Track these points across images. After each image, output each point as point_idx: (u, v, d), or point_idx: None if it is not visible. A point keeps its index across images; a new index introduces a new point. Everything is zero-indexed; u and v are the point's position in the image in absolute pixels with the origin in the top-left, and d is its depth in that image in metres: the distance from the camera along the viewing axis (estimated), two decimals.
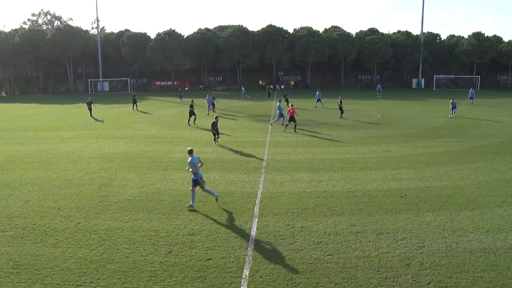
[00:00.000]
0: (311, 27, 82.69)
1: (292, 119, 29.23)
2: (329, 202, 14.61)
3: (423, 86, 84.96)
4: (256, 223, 12.77)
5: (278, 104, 33.12)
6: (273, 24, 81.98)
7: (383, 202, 14.60)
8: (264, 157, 21.49)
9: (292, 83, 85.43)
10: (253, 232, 12.11)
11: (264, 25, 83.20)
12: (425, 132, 29.75)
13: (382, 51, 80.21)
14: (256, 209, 13.94)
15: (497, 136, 27.73)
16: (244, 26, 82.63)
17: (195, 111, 34.21)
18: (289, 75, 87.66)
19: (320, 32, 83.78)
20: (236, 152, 22.88)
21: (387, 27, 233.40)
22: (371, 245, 11.20)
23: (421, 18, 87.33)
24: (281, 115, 32.21)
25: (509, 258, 10.45)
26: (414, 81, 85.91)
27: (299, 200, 14.84)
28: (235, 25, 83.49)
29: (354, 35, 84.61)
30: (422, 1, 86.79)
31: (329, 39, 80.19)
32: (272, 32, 79.95)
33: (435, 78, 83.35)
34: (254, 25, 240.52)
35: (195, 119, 33.83)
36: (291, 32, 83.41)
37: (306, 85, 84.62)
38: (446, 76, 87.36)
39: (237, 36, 79.42)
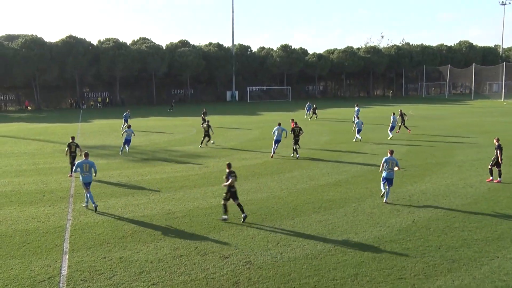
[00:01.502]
0: (117, 39, 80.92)
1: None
2: (148, 227, 14.29)
3: (237, 98, 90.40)
4: (67, 261, 11.73)
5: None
6: (73, 35, 77.50)
7: (205, 220, 14.89)
8: (72, 184, 20.05)
9: (99, 99, 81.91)
10: (64, 271, 11.09)
11: (63, 36, 78.31)
12: (241, 144, 31.55)
13: (195, 63, 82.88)
14: (66, 245, 12.85)
15: (309, 144, 30.91)
16: (39, 36, 76.12)
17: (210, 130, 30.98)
18: (95, 92, 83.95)
19: (128, 44, 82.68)
20: (37, 181, 20.83)
21: (198, 39, 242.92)
22: (197, 267, 11.25)
23: (231, 30, 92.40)
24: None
25: (329, 261, 11.61)
26: (228, 93, 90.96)
27: (115, 228, 14.18)
28: (28, 35, 76.16)
29: (164, 48, 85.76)
30: (231, 13, 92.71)
31: (138, 52, 79.56)
32: (73, 44, 75.45)
33: (248, 90, 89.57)
34: (52, 36, 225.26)
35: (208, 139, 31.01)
36: (95, 44, 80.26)
37: (122, 101, 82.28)
38: (259, 88, 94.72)
39: (31, 47, 72.54)
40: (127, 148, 28.36)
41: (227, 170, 14.92)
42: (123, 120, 41.11)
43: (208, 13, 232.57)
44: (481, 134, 35.07)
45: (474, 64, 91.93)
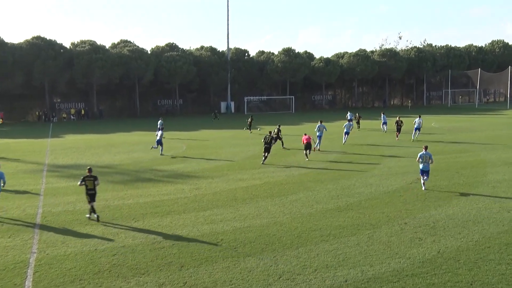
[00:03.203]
0: (94, 41, 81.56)
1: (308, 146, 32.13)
2: (129, 259, 14.22)
3: (233, 110, 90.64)
4: None
5: None
6: (42, 36, 78.11)
7: (196, 251, 14.84)
8: (38, 211, 19.98)
9: (73, 111, 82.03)
10: None
11: (29, 37, 78.80)
12: (238, 163, 31.55)
13: (184, 70, 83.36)
14: (28, 283, 12.76)
15: (315, 162, 30.93)
16: None
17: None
18: (69, 102, 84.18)
19: (107, 47, 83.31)
20: None
21: (188, 42, 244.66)
22: None
23: (226, 32, 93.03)
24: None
25: None
26: (223, 104, 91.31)
27: (90, 261, 14.11)
28: None
29: (149, 52, 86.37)
30: (226, 13, 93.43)
31: (119, 56, 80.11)
32: (42, 46, 76.05)
33: (246, 100, 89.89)
34: (14, 36, 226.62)
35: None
36: (68, 47, 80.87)
37: (100, 113, 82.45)
38: (258, 97, 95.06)
39: None
40: (161, 149, 35.87)
41: (87, 173, 18.54)
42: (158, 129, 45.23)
43: (200, 13, 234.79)
44: None
45: (510, 67, 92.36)
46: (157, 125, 48.00)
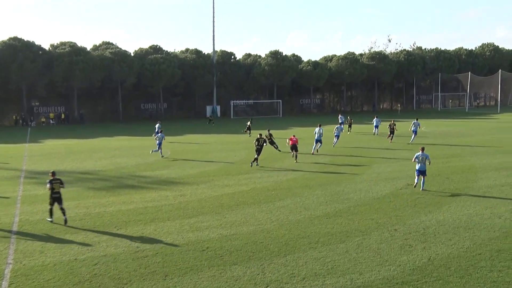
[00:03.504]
0: (75, 43, 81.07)
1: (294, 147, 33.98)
2: (111, 269, 14.11)
3: (219, 114, 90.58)
4: None
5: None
6: (19, 37, 77.42)
7: (180, 259, 14.77)
8: (15, 219, 19.78)
9: (52, 115, 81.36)
10: None
11: (5, 37, 78.15)
12: (225, 169, 31.51)
13: (169, 73, 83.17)
14: None
15: (304, 168, 30.98)
16: None
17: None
18: (48, 106, 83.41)
19: (88, 49, 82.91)
20: None
21: (172, 45, 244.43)
22: None
23: (212, 34, 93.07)
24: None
25: None
26: (208, 108, 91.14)
27: (70, 271, 13.99)
28: None
29: (132, 54, 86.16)
30: (212, 14, 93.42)
31: (100, 59, 79.75)
32: (19, 48, 75.25)
33: (232, 104, 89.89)
34: None
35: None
36: (47, 49, 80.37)
37: (81, 117, 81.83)
38: (244, 101, 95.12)
39: None
40: (161, 151, 37.16)
41: (51, 177, 19.17)
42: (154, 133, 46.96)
43: (185, 15, 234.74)
44: (510, 154, 35.39)
45: (500, 70, 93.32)
46: (155, 128, 49.22)
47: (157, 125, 49.62)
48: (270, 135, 38.85)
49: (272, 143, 38.64)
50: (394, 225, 18.06)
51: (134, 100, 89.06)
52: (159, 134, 38.46)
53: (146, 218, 19.64)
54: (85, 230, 18.08)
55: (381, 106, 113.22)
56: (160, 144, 37.30)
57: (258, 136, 33.26)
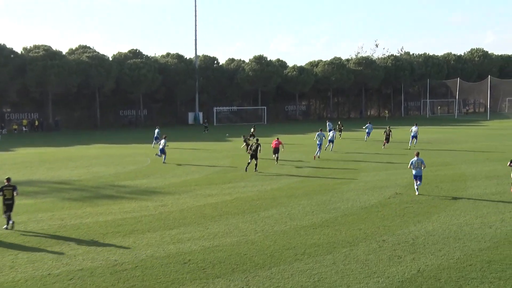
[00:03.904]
0: (49, 46, 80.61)
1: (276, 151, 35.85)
2: (87, 284, 13.97)
3: (201, 121, 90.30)
4: None
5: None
6: None
7: (161, 273, 14.67)
8: None
9: (25, 122, 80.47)
10: None
11: None
12: (207, 177, 31.44)
13: (149, 78, 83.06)
14: None
15: (289, 177, 31.02)
16: None
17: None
18: (20, 112, 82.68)
19: (64, 53, 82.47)
20: None
21: (153, 49, 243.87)
22: None
23: (194, 38, 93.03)
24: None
25: None
26: (191, 115, 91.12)
27: (43, 287, 13.80)
28: None
29: (111, 58, 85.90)
30: (194, 17, 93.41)
31: (77, 63, 79.38)
32: None
33: (215, 110, 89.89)
34: None
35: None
36: (19, 52, 79.68)
37: (57, 124, 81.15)
38: (228, 108, 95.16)
39: None
40: (164, 157, 38.30)
41: (5, 183, 19.51)
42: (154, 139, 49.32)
43: (166, 18, 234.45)
44: (501, 161, 35.65)
45: (489, 76, 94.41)
46: (154, 133, 50.54)
47: (156, 131, 50.80)
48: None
49: (245, 141, 40.80)
50: (382, 235, 18.12)
51: (112, 107, 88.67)
52: (163, 140, 39.32)
53: (125, 229, 19.48)
54: (59, 243, 17.85)
55: (369, 113, 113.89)
56: (162, 150, 38.31)
57: (255, 141, 34.53)
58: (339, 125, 58.33)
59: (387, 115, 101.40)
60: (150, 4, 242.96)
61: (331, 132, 45.91)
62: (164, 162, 37.72)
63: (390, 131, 46.66)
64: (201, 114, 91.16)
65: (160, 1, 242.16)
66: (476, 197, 24.33)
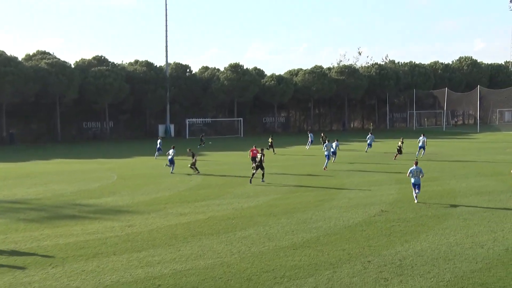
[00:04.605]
0: (3, 51, 79.39)
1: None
2: None
3: (172, 134, 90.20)
4: None
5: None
6: None
7: None
8: None
9: None
10: None
11: None
12: (180, 195, 31.25)
13: (115, 87, 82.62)
14: None
15: (268, 194, 30.97)
16: None
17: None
18: None
19: (20, 59, 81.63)
20: None
21: (120, 56, 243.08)
22: None
23: (165, 44, 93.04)
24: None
25: None
26: (161, 127, 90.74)
27: None
28: None
29: (73, 65, 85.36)
30: (164, 22, 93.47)
31: (35, 70, 78.48)
32: None
33: (188, 122, 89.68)
34: None
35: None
36: None
37: (11, 138, 79.79)
38: (201, 120, 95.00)
39: None
40: (172, 167, 41.43)
41: None
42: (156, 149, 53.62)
43: (134, 22, 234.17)
44: (492, 177, 36.17)
45: (479, 86, 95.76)
46: (157, 144, 55.12)
47: (158, 141, 55.67)
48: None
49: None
50: (367, 256, 18.11)
51: (75, 118, 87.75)
52: (171, 150, 41.97)
53: (88, 252, 19.18)
54: (13, 269, 17.45)
55: (352, 125, 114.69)
56: (171, 160, 41.38)
57: (260, 151, 36.18)
58: (322, 137, 59.28)
59: (371, 127, 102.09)
60: (116, 7, 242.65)
61: (333, 143, 47.08)
62: (172, 172, 40.49)
63: (403, 142, 49.41)
64: (172, 127, 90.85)
65: (128, 4, 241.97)
66: (467, 215, 24.50)
